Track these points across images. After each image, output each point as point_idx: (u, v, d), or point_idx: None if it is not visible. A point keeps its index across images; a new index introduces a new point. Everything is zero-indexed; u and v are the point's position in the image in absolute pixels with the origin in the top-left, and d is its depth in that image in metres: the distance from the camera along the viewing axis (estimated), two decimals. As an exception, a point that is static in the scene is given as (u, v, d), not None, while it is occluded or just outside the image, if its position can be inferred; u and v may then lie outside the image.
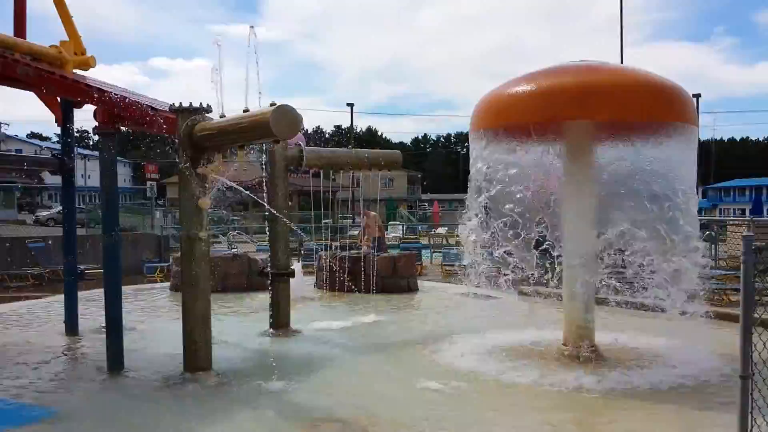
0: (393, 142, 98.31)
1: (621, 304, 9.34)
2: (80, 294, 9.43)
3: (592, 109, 6.11)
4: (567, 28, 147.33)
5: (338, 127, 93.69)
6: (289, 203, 9.15)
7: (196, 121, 6.11)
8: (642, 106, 6.11)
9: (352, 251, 13.46)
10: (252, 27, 6.53)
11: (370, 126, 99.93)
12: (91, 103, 6.75)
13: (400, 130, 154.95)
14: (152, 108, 6.30)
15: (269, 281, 8.73)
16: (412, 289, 13.34)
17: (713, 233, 16.25)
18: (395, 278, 13.12)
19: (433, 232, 28.15)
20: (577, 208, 6.90)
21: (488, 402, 5.92)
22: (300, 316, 9.76)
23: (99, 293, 11.14)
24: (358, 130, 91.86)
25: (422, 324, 10.01)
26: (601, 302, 7.98)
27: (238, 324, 9.78)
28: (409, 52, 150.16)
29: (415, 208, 64.62)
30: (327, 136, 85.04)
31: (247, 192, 6.33)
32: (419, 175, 75.20)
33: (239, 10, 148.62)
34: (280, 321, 8.92)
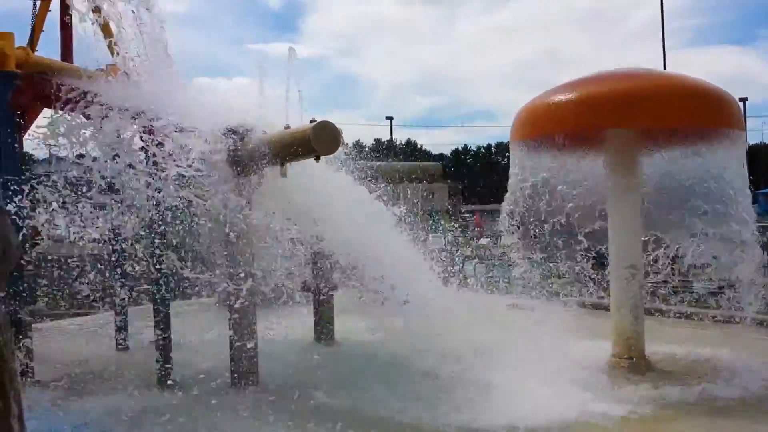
0: (433, 153, 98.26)
1: (671, 314, 9.13)
2: (137, 309, 9.63)
3: (633, 116, 6.02)
4: (606, 34, 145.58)
5: (378, 140, 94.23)
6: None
7: (236, 142, 6.23)
8: (684, 112, 6.00)
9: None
10: (291, 48, 6.68)
11: (409, 138, 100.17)
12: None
13: (439, 141, 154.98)
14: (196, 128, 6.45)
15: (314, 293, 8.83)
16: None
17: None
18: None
19: (475, 243, 27.97)
20: (623, 217, 6.79)
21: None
22: (344, 326, 9.80)
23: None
24: (398, 143, 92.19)
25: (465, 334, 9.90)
26: (651, 312, 7.82)
27: (284, 334, 9.86)
28: (445, 63, 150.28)
29: (457, 220, 64.34)
30: (367, 149, 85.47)
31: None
32: (460, 187, 74.98)
33: (278, 29, 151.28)
34: (324, 332, 8.99)
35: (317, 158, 5.21)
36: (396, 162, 9.21)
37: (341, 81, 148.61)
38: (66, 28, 9.14)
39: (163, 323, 7.26)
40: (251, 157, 5.96)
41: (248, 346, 6.62)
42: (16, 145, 7.34)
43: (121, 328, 9.36)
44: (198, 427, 5.75)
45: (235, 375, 6.71)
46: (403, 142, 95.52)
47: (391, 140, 44.81)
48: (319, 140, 5.04)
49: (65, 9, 9.12)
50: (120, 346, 9.30)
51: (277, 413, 5.95)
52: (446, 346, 8.70)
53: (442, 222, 45.59)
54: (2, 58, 6.94)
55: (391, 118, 38.52)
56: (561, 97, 6.42)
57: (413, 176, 8.38)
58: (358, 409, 6.05)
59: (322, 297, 8.94)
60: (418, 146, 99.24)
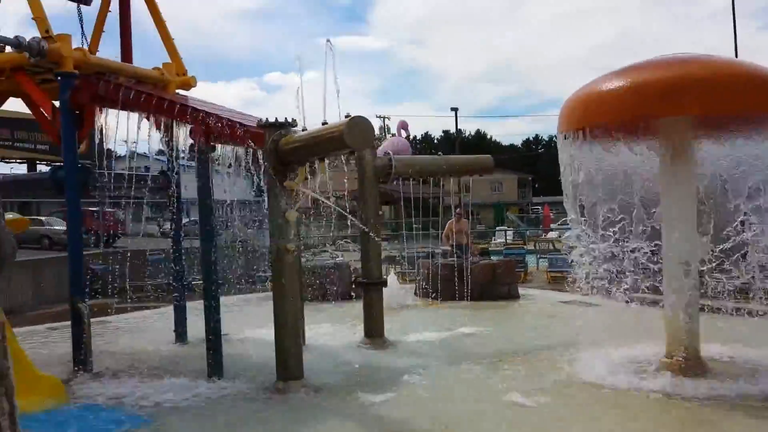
0: (503, 144, 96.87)
1: (727, 312, 8.63)
2: (194, 304, 9.86)
3: (685, 103, 5.69)
4: (683, 16, 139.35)
5: (446, 132, 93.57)
6: (380, 212, 9.18)
7: (281, 135, 6.26)
8: (739, 98, 5.62)
9: (449, 258, 13.36)
10: (328, 40, 6.67)
11: (478, 129, 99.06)
12: (187, 123, 7.08)
13: (510, 131, 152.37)
14: (241, 124, 6.52)
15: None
16: (513, 296, 13.04)
17: None
18: (495, 286, 12.87)
19: (542, 237, 27.42)
20: (677, 210, 6.46)
21: (581, 418, 5.63)
22: (395, 325, 9.76)
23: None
24: (467, 134, 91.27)
25: (519, 334, 9.73)
26: (707, 310, 7.42)
27: (334, 333, 9.92)
28: (515, 51, 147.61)
29: (527, 212, 63.23)
30: (435, 141, 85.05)
31: (330, 203, 6.40)
32: (530, 178, 73.62)
33: (346, 21, 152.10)
34: (373, 331, 8.96)
35: (351, 153, 5.17)
36: (441, 156, 9.01)
37: (409, 72, 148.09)
38: (125, 29, 9.40)
39: (213, 317, 7.40)
40: (292, 153, 5.99)
41: (291, 342, 6.66)
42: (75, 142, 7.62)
43: (180, 322, 9.64)
44: (243, 420, 5.85)
45: (281, 370, 6.76)
46: (472, 133, 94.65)
47: (456, 131, 44.40)
48: (351, 136, 5.01)
49: (124, 10, 9.40)
50: (178, 340, 9.59)
51: (318, 411, 6.00)
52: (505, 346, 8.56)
53: (508, 215, 44.97)
54: (60, 59, 7.21)
55: (456, 109, 38.07)
56: (609, 86, 6.15)
57: (463, 169, 8.25)
58: (403, 410, 5.99)
59: (371, 292, 8.92)
60: (488, 137, 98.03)
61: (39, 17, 7.15)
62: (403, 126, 11.68)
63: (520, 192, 75.21)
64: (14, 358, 6.49)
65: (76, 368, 7.75)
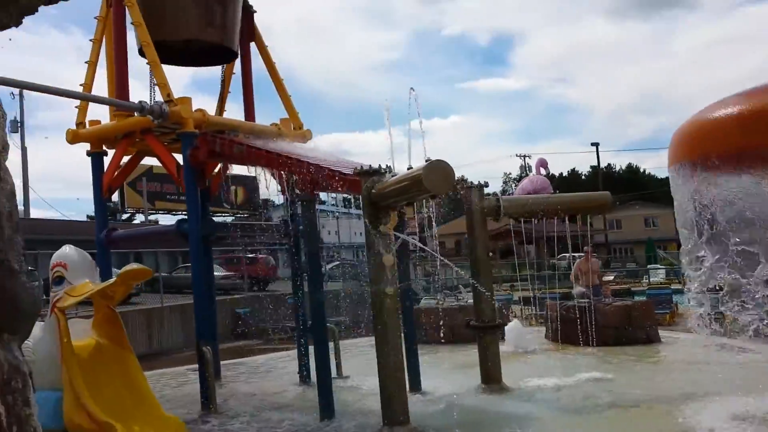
0: (658, 177, 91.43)
1: None
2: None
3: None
4: None
5: (594, 167, 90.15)
6: (490, 253, 8.99)
7: (374, 182, 6.38)
8: None
9: (578, 300, 12.73)
10: (412, 89, 6.77)
11: (630, 163, 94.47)
12: (291, 173, 7.43)
13: (665, 164, 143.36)
14: (340, 173, 6.73)
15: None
16: (651, 340, 12.11)
17: None
18: (630, 329, 12.05)
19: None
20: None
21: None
22: (516, 370, 9.42)
23: (353, 343, 12.17)
24: (617, 169, 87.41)
25: (654, 382, 9.01)
26: None
27: (451, 377, 9.75)
28: (666, 81, 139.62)
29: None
30: (583, 177, 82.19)
31: (420, 244, 6.39)
32: (690, 212, 68.70)
33: (486, 64, 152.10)
34: (489, 376, 8.70)
35: (432, 197, 5.15)
36: (553, 194, 8.69)
37: (553, 109, 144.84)
38: (248, 89, 10.10)
39: (322, 359, 7.57)
40: (382, 198, 6.08)
41: (393, 385, 6.63)
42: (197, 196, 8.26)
43: (303, 364, 9.95)
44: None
45: (386, 415, 6.74)
46: (623, 167, 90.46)
47: (599, 166, 42.75)
48: (430, 180, 5.00)
49: (246, 72, 10.12)
50: (302, 381, 9.88)
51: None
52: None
53: (661, 253, 42.15)
54: (181, 120, 7.89)
55: (596, 144, 36.71)
56: (719, 114, 5.69)
57: (577, 208, 7.90)
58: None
59: (485, 335, 8.70)
60: (641, 171, 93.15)
61: (161, 83, 7.90)
62: (542, 164, 11.55)
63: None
64: (141, 397, 6.99)
65: (202, 409, 8.23)
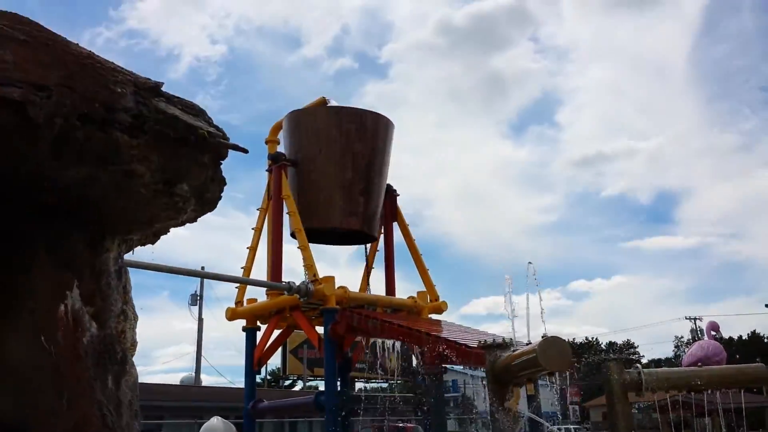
0: None
1: None
2: None
3: None
4: None
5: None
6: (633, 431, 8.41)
7: (496, 356, 6.49)
8: None
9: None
10: (530, 263, 6.95)
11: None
12: (424, 347, 7.74)
13: None
14: (466, 347, 6.94)
15: None
16: None
17: None
18: None
19: None
20: None
21: None
22: None
23: None
24: (813, 331, 77.96)
25: None
26: None
27: None
28: None
29: None
30: (766, 340, 74.01)
31: (548, 424, 6.25)
32: None
33: (650, 222, 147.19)
34: None
35: (550, 374, 5.17)
36: (702, 367, 8.01)
37: (728, 267, 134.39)
38: (389, 264, 10.82)
39: None
40: (503, 373, 6.14)
41: None
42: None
43: None
44: None
45: None
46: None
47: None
48: (545, 357, 5.04)
49: (389, 249, 10.90)
50: None
51: None
52: None
53: None
54: (324, 297, 8.61)
55: (774, 306, 33.30)
56: None
57: (727, 382, 7.27)
58: None
59: None
60: None
61: (309, 264, 8.77)
62: (713, 327, 10.90)
63: None
64: None
65: None
